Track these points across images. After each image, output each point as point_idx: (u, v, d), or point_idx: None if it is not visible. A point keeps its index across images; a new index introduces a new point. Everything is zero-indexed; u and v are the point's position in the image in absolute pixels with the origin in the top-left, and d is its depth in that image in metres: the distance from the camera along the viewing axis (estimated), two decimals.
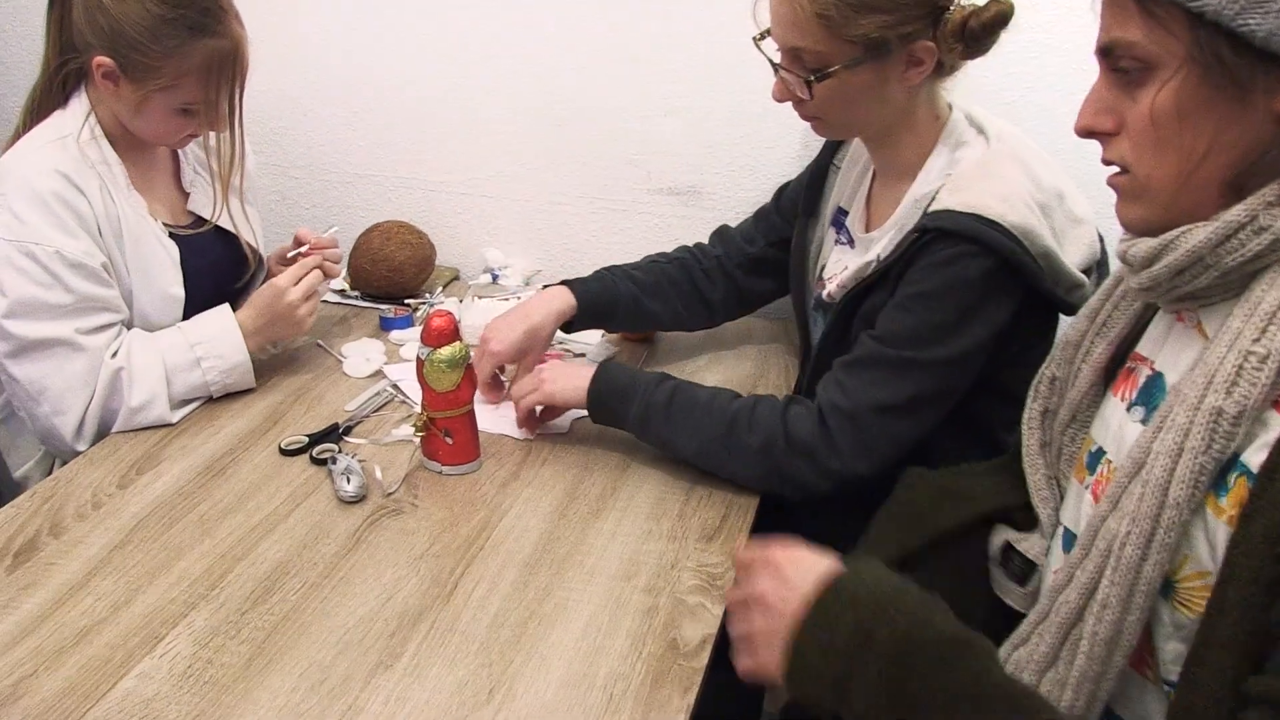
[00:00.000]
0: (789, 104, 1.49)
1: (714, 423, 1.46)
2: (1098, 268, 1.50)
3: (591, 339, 1.96)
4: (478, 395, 1.63)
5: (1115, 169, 0.96)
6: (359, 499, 1.46)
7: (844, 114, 1.45)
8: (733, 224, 1.94)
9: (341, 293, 2.22)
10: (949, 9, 1.38)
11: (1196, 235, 0.90)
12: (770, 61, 1.47)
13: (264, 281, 1.93)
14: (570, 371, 1.57)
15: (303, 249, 1.87)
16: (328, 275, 1.86)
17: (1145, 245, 0.95)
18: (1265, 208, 0.88)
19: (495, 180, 2.28)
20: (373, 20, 2.24)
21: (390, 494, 1.49)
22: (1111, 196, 0.98)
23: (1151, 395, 1.01)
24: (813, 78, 1.40)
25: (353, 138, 2.36)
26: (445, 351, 1.47)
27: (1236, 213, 0.88)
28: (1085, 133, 0.96)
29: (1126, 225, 0.98)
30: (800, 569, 0.95)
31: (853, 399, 1.41)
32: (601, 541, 1.38)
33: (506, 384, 1.73)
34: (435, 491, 1.50)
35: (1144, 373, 1.04)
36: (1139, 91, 0.90)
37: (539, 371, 1.59)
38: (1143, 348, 1.06)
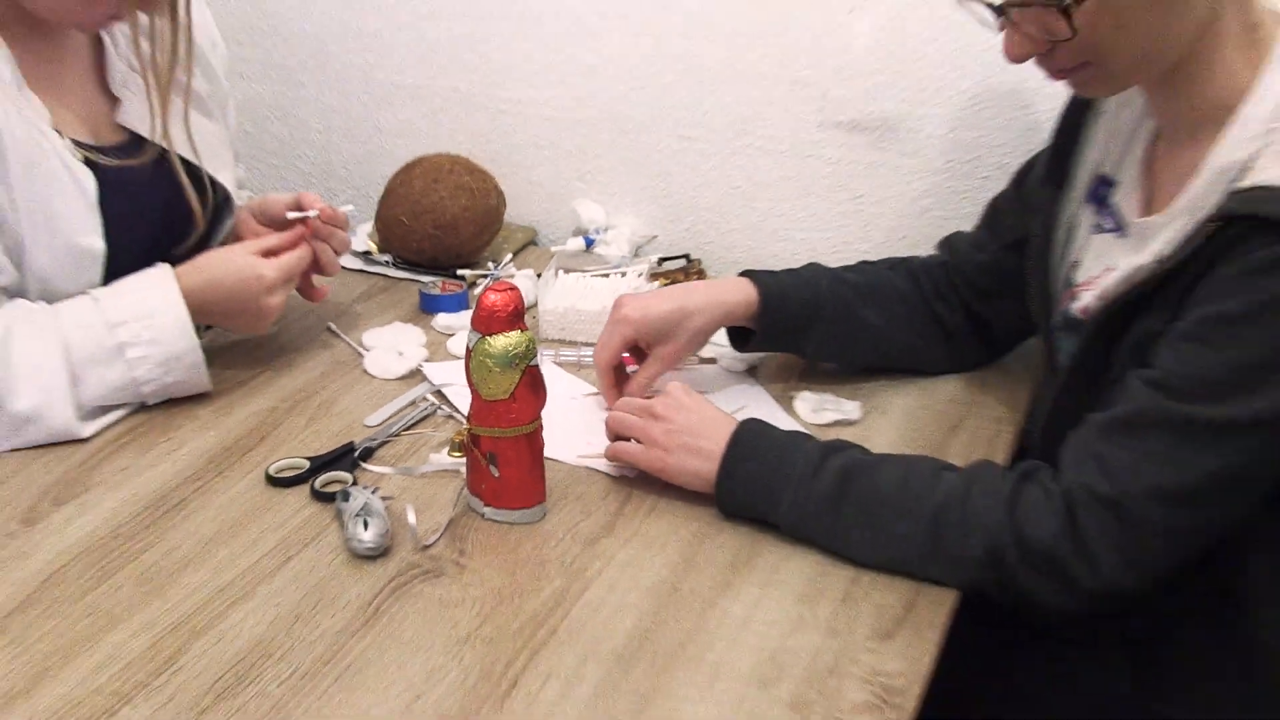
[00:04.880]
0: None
1: (909, 525, 1.12)
2: None
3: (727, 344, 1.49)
4: (580, 393, 1.39)
5: None
6: (380, 553, 1.15)
7: (1123, 44, 1.08)
8: (952, 192, 1.62)
9: (365, 255, 1.73)
10: None
11: None
12: (989, 4, 1.10)
13: (229, 239, 1.47)
14: (697, 439, 1.22)
15: (307, 214, 1.41)
16: (322, 269, 1.45)
17: None
18: None
19: (593, 100, 1.78)
20: None
21: (426, 547, 1.17)
22: None
23: None
24: None
25: (390, 33, 1.87)
26: (500, 342, 1.15)
27: None
28: None
29: None
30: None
31: (1118, 481, 1.06)
32: (729, 630, 1.09)
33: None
34: (492, 547, 1.19)
35: None
36: None
37: (659, 419, 1.25)
38: None
